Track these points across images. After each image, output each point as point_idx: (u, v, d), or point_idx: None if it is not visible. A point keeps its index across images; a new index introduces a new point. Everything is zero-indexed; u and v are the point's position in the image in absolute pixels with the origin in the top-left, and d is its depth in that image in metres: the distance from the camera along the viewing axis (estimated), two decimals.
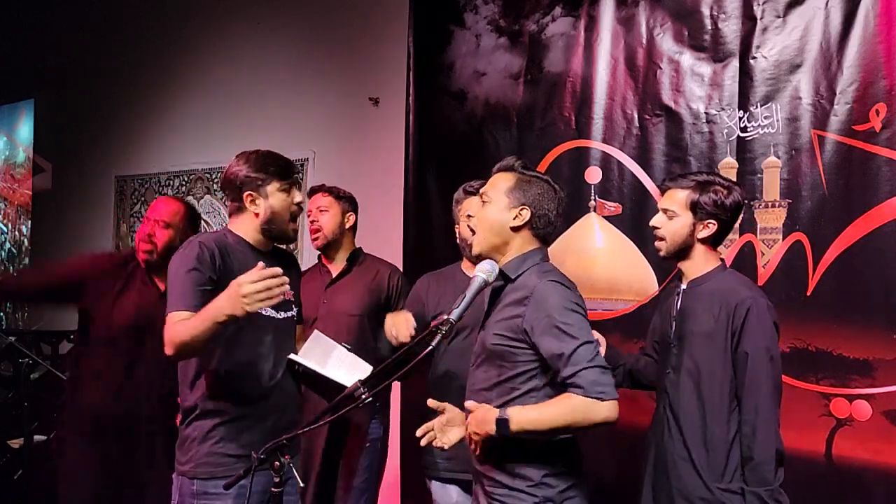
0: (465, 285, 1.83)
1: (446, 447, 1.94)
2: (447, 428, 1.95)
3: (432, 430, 1.94)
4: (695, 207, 2.06)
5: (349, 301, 2.74)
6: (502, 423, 1.73)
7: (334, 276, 2.82)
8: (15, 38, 5.88)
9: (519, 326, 1.79)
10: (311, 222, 2.80)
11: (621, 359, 2.34)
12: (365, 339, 2.68)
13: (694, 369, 2.04)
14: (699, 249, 2.11)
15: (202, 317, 1.86)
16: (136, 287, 2.73)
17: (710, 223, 2.07)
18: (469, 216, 2.04)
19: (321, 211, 2.79)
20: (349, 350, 2.23)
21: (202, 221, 4.67)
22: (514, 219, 1.88)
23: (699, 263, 2.11)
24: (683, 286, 2.14)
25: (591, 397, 1.66)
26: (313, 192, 2.87)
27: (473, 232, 1.98)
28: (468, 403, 1.84)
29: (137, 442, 2.72)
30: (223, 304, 1.82)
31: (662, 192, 2.17)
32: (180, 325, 1.89)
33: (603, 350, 2.12)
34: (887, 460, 2.46)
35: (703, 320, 2.05)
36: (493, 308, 1.91)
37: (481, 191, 1.96)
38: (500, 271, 1.88)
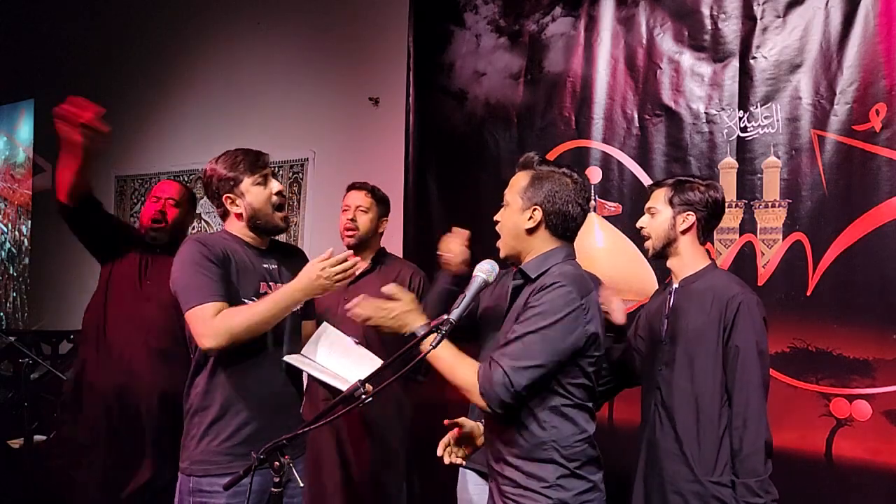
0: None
1: (462, 461, 1.96)
2: (462, 441, 1.98)
3: (449, 444, 1.95)
4: (672, 202, 2.15)
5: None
6: (412, 337, 1.76)
7: (357, 274, 2.82)
8: (15, 38, 5.89)
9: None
10: (349, 220, 2.79)
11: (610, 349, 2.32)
12: (384, 340, 2.67)
13: (688, 365, 2.07)
14: (684, 244, 2.16)
15: (274, 301, 1.95)
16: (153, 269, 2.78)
17: (688, 215, 2.14)
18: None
19: (361, 210, 2.79)
20: (357, 343, 2.22)
21: (203, 221, 4.67)
22: (528, 220, 1.83)
23: (687, 260, 2.16)
24: (676, 285, 2.19)
25: (481, 387, 1.69)
26: (355, 188, 2.86)
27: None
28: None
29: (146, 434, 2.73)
30: (301, 287, 1.95)
31: (648, 196, 2.24)
32: (232, 314, 1.92)
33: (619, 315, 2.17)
34: (887, 460, 2.46)
35: (696, 317, 2.09)
36: (510, 308, 1.86)
37: (504, 194, 1.91)
38: (520, 269, 1.84)
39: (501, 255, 1.89)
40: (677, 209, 2.14)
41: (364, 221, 2.79)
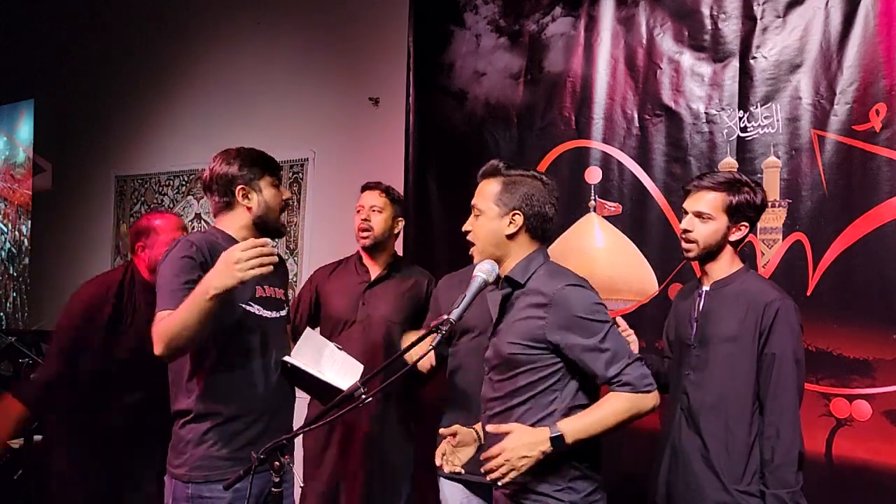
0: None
1: (461, 470, 1.93)
2: (458, 449, 1.96)
3: (445, 453, 1.94)
4: (730, 210, 2.06)
5: (390, 307, 2.74)
6: (558, 440, 1.70)
7: (373, 278, 2.80)
8: (15, 38, 5.89)
9: (541, 333, 1.75)
10: (363, 220, 2.76)
11: (648, 360, 2.32)
12: (391, 344, 2.69)
13: (719, 372, 2.03)
14: (727, 251, 2.11)
15: (190, 299, 1.80)
16: (141, 307, 2.65)
17: (742, 226, 2.08)
18: (466, 228, 1.97)
19: (375, 210, 2.77)
20: (340, 349, 2.23)
21: (203, 221, 4.67)
22: (508, 226, 1.84)
23: (725, 266, 2.12)
24: (706, 287, 2.14)
25: (641, 391, 1.71)
26: (368, 188, 2.83)
27: (468, 241, 1.93)
28: (491, 427, 1.79)
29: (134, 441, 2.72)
30: (212, 278, 1.77)
31: (687, 193, 2.15)
32: (167, 320, 1.84)
33: (635, 348, 2.17)
34: (887, 460, 2.46)
35: (728, 322, 2.04)
36: (504, 315, 1.87)
37: (473, 203, 1.91)
38: (507, 277, 1.85)
39: (476, 261, 1.89)
40: (734, 219, 2.06)
41: (378, 222, 2.76)
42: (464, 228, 1.90)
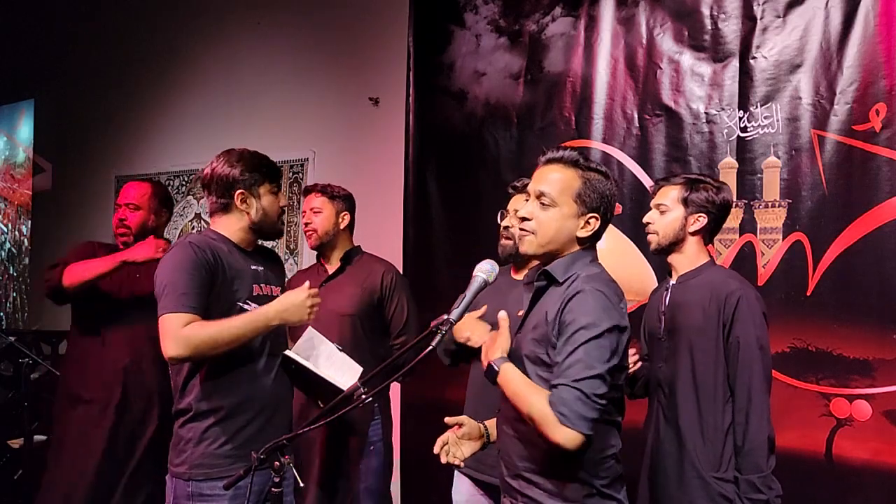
0: (509, 286, 1.79)
1: (461, 463, 1.83)
2: (462, 441, 1.85)
3: (447, 443, 1.83)
4: (686, 202, 2.14)
5: (341, 301, 2.73)
6: (491, 370, 1.65)
7: (329, 274, 2.82)
8: (15, 38, 5.89)
9: (551, 332, 1.64)
10: (305, 224, 2.79)
11: (643, 371, 2.29)
12: (356, 339, 2.67)
13: (688, 362, 2.07)
14: (690, 243, 2.16)
15: (248, 320, 1.96)
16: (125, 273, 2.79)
17: (700, 217, 2.14)
18: (524, 216, 1.74)
19: (314, 212, 2.78)
20: (340, 350, 2.23)
21: (203, 221, 4.67)
22: (582, 228, 1.70)
23: (690, 258, 2.17)
24: (673, 281, 2.19)
25: (554, 413, 1.52)
26: (307, 192, 2.84)
27: (523, 230, 1.74)
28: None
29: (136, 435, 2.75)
30: (282, 311, 1.98)
31: (654, 191, 2.24)
32: (203, 327, 1.89)
33: (634, 358, 2.17)
34: (887, 460, 2.46)
35: (694, 313, 2.09)
36: (531, 310, 1.75)
37: (540, 189, 1.70)
38: (546, 272, 1.72)
39: (528, 251, 1.73)
40: (690, 209, 2.14)
41: (319, 222, 2.76)
42: (521, 214, 1.72)
